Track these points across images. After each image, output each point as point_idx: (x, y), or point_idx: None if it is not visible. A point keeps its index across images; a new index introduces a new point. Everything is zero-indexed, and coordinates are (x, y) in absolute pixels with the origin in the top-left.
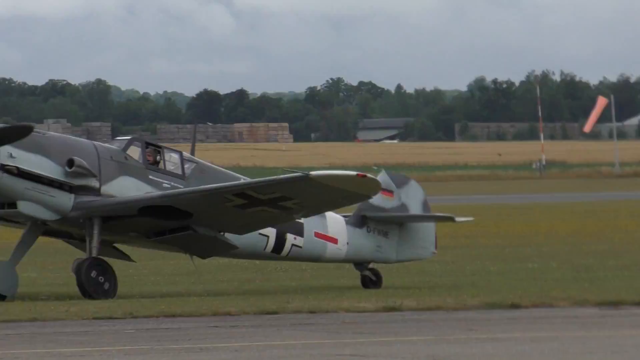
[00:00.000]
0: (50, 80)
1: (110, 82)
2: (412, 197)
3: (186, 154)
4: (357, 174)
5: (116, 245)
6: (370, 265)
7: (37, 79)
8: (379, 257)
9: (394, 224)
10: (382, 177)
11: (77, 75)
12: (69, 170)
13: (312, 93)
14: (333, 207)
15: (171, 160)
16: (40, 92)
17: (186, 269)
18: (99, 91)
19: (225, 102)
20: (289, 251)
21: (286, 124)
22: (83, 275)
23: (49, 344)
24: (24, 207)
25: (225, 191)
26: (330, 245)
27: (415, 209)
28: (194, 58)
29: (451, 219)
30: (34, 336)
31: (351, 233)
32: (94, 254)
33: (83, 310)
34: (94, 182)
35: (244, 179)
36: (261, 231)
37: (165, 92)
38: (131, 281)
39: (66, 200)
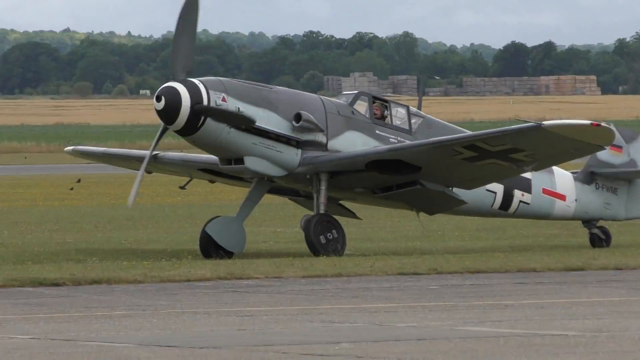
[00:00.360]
0: (357, 33)
1: (417, 34)
2: None
3: (413, 109)
4: (592, 123)
5: (342, 202)
6: (599, 223)
7: (344, 32)
8: (607, 215)
9: (623, 180)
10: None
11: (384, 28)
12: (296, 125)
13: (620, 45)
14: (565, 159)
15: (398, 115)
16: (347, 46)
17: (490, 224)
18: (405, 44)
19: (532, 54)
20: (517, 208)
21: (594, 77)
22: (312, 233)
23: (353, 300)
24: (251, 162)
25: (455, 143)
26: (558, 202)
27: None
28: (502, 10)
29: None
30: (339, 292)
31: (579, 190)
32: (322, 210)
33: (388, 265)
34: (321, 137)
35: (467, 132)
36: (489, 187)
37: (472, 44)
38: (435, 236)
39: (293, 155)
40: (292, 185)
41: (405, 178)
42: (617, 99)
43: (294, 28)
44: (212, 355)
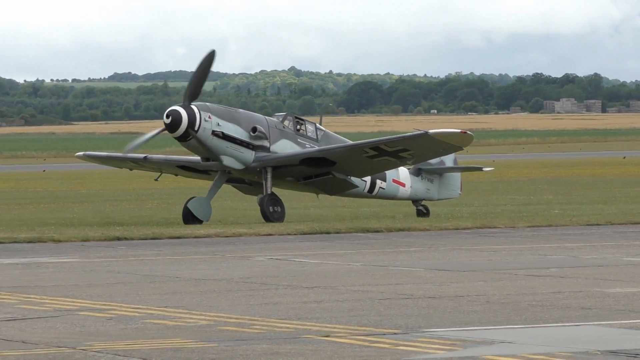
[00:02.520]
0: (565, 74)
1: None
2: (447, 156)
3: (318, 125)
4: (461, 131)
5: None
6: (422, 202)
7: (556, 73)
8: (428, 196)
9: (437, 174)
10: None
11: (582, 69)
12: (253, 134)
13: None
14: (433, 157)
15: (309, 129)
16: (558, 81)
17: None
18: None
19: None
20: (377, 192)
21: None
22: (265, 206)
23: (558, 241)
24: (225, 160)
25: (365, 145)
26: (401, 188)
27: (448, 163)
28: None
29: (479, 169)
30: (549, 236)
31: (412, 180)
32: (269, 191)
33: (580, 219)
34: (266, 143)
35: (349, 141)
36: (364, 178)
37: None
38: None
39: (249, 155)
40: (244, 176)
41: (322, 170)
42: None
43: (525, 70)
44: (472, 275)
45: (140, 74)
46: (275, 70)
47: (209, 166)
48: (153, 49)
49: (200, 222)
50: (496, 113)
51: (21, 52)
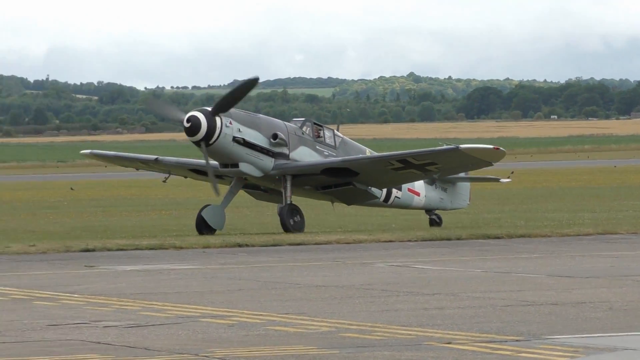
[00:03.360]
0: None
1: None
2: None
3: (336, 131)
4: (494, 147)
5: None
6: (435, 212)
7: None
8: (441, 205)
9: (450, 182)
10: None
11: None
12: (273, 141)
13: None
14: (460, 171)
15: (327, 135)
16: None
17: None
18: None
19: None
20: (392, 201)
21: None
22: (285, 217)
23: None
24: (243, 167)
25: (391, 158)
26: (415, 197)
27: (462, 173)
28: None
29: (496, 180)
30: None
31: (427, 189)
32: (289, 201)
33: None
34: (285, 150)
35: (369, 150)
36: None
37: None
38: None
39: (269, 162)
40: (261, 183)
41: (344, 180)
42: None
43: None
44: (594, 281)
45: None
46: (394, 76)
47: (230, 172)
48: (271, 55)
49: (213, 231)
50: (617, 118)
51: (142, 59)
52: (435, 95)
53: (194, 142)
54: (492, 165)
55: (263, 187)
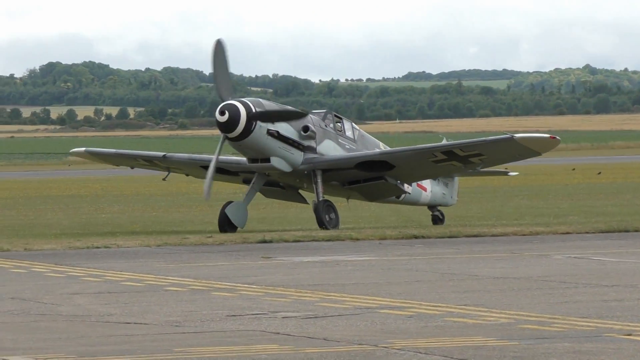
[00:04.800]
0: None
1: None
2: None
3: (354, 124)
4: (550, 136)
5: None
6: (438, 208)
7: None
8: (444, 201)
9: (451, 177)
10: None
11: None
12: (304, 134)
13: None
14: (506, 162)
15: (346, 128)
16: None
17: None
18: None
19: None
20: (404, 197)
21: None
22: (323, 214)
23: None
24: (275, 162)
25: (436, 149)
26: (423, 192)
27: None
28: None
29: (505, 173)
30: None
31: (432, 184)
32: (321, 197)
33: None
34: (313, 144)
35: (382, 144)
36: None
37: None
38: None
39: (299, 157)
40: (286, 180)
41: (376, 174)
42: None
43: None
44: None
45: (434, 73)
46: (570, 68)
47: (261, 168)
48: (445, 48)
49: (235, 228)
50: None
51: (316, 53)
52: (611, 87)
53: (227, 136)
54: (540, 155)
55: (282, 184)
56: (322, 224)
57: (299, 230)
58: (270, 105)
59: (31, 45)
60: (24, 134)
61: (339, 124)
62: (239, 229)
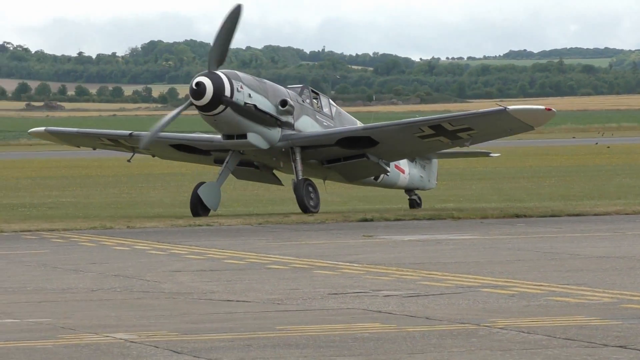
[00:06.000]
0: None
1: None
2: None
3: (330, 100)
4: (545, 108)
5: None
6: (416, 192)
7: None
8: (422, 185)
9: (428, 160)
10: None
11: None
12: (282, 109)
13: None
14: (497, 137)
15: (323, 104)
16: None
17: None
18: None
19: None
20: (382, 178)
21: None
22: (305, 194)
23: None
24: (252, 138)
25: (423, 123)
26: (401, 175)
27: None
28: None
29: (486, 154)
30: None
31: (409, 165)
32: (300, 176)
33: None
34: (291, 119)
35: (358, 122)
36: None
37: None
38: None
39: (276, 133)
40: (262, 157)
41: (359, 152)
42: None
43: None
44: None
45: (535, 51)
46: None
47: (236, 144)
48: (546, 26)
49: (208, 211)
50: None
51: (416, 31)
52: None
53: (200, 110)
54: (533, 129)
55: (256, 163)
56: (302, 204)
57: (400, 209)
58: (247, 78)
59: (133, 24)
60: (126, 112)
61: (315, 100)
62: (211, 211)
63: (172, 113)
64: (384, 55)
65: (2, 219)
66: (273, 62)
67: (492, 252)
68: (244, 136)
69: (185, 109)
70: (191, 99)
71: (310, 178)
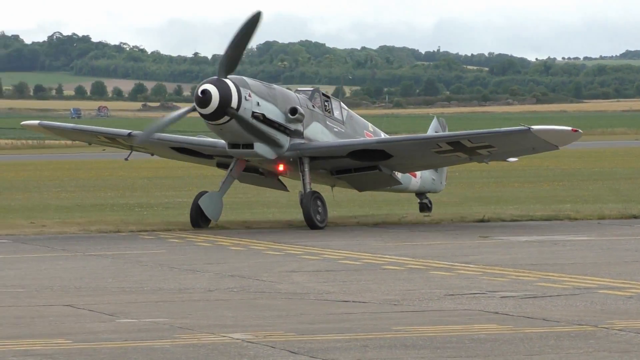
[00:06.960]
0: None
1: None
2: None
3: (342, 104)
4: (572, 129)
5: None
6: (427, 195)
7: None
8: (433, 188)
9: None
10: (434, 124)
11: None
12: (292, 117)
13: None
14: (519, 155)
15: (335, 108)
16: None
17: None
18: None
19: None
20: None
21: None
22: (312, 207)
23: None
24: (259, 148)
25: (441, 139)
26: (413, 179)
27: None
28: None
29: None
30: None
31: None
32: (308, 188)
33: None
34: (300, 127)
35: (370, 125)
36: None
37: None
38: None
39: (285, 142)
40: (269, 166)
41: (370, 163)
42: None
43: None
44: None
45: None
46: None
47: (242, 154)
48: None
49: (208, 222)
50: None
51: (532, 31)
52: None
53: (205, 119)
54: (557, 149)
55: (261, 170)
56: (310, 219)
57: (518, 209)
58: (256, 85)
59: None
60: None
61: (327, 103)
62: (212, 222)
63: (174, 114)
64: (499, 55)
65: (119, 219)
66: (388, 63)
67: (610, 253)
68: (251, 146)
69: (188, 112)
70: (196, 106)
71: (318, 184)
